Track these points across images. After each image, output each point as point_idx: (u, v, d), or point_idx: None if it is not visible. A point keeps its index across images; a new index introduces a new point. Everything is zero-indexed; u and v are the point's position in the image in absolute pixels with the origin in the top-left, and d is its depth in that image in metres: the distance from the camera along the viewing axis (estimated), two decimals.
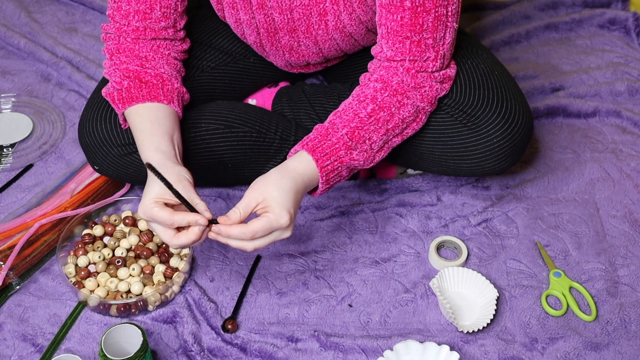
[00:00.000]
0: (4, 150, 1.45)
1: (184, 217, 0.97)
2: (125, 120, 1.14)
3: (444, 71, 1.12)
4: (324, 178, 1.07)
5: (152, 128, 1.08)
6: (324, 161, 1.06)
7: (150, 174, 1.01)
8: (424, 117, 1.15)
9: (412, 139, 1.20)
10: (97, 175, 1.34)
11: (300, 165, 1.05)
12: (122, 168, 1.22)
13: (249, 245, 0.99)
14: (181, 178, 1.00)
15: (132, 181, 1.30)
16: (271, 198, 0.99)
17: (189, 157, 1.20)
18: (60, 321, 1.16)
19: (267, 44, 1.26)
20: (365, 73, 1.14)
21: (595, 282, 1.24)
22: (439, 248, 1.28)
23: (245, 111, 1.29)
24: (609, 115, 1.56)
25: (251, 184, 1.02)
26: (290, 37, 1.22)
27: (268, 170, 1.30)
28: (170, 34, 1.17)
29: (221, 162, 1.26)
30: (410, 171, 1.41)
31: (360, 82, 1.15)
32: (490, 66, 1.22)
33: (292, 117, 1.36)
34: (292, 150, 1.09)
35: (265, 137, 1.28)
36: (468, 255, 1.28)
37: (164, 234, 1.00)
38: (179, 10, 1.17)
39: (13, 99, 1.57)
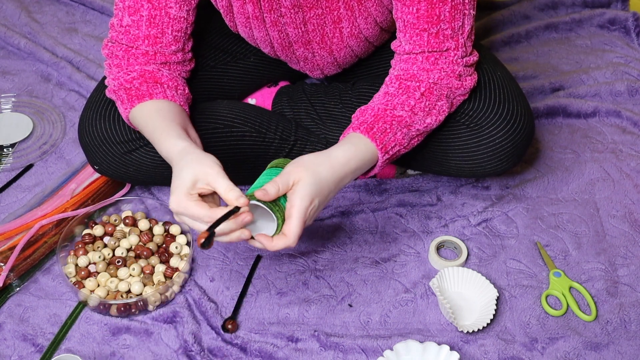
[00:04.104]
0: (4, 150, 1.45)
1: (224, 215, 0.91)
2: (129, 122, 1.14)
3: (467, 58, 1.10)
4: (377, 141, 1.04)
5: (167, 123, 1.05)
6: (368, 127, 1.04)
7: (177, 165, 0.97)
8: (469, 78, 1.12)
9: None
10: (97, 175, 1.34)
11: (343, 151, 1.02)
12: (122, 167, 1.22)
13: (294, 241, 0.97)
14: (217, 166, 0.95)
15: (132, 181, 1.30)
16: (299, 188, 0.96)
17: None
18: (61, 321, 1.16)
19: (281, 56, 1.27)
20: (389, 70, 1.14)
21: (595, 282, 1.24)
22: (439, 248, 1.28)
23: (245, 110, 1.29)
24: (609, 115, 1.56)
25: (293, 162, 0.99)
26: (305, 49, 1.22)
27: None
28: (180, 57, 1.16)
29: (221, 161, 1.25)
30: (410, 171, 1.41)
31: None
32: (492, 67, 1.22)
33: (293, 116, 1.36)
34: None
35: (265, 136, 1.28)
36: (468, 255, 1.28)
37: (199, 227, 0.94)
38: (189, 32, 1.16)
39: (13, 99, 1.57)
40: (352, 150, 1.03)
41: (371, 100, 1.11)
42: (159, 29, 1.12)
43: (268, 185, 0.95)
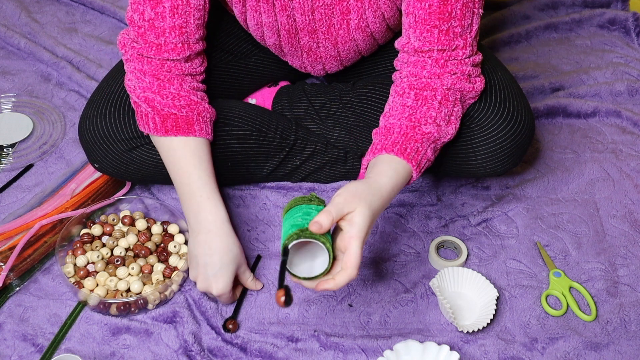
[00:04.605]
0: (4, 150, 1.45)
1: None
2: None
3: (473, 57, 1.11)
4: (412, 162, 1.05)
5: (207, 178, 1.14)
6: (401, 149, 1.05)
7: (218, 237, 1.12)
8: (478, 80, 1.12)
9: None
10: (97, 175, 1.34)
11: (389, 179, 1.02)
12: (122, 165, 1.21)
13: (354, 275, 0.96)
14: (244, 257, 1.17)
15: (132, 179, 1.29)
16: (357, 219, 0.95)
17: None
18: (60, 321, 1.16)
19: (286, 46, 1.26)
20: (395, 72, 1.14)
21: (595, 282, 1.24)
22: (439, 248, 1.28)
23: (245, 109, 1.29)
24: (609, 115, 1.56)
25: (342, 193, 0.97)
26: (310, 38, 1.22)
27: (268, 169, 1.31)
28: (202, 46, 1.16)
29: (221, 160, 1.26)
30: None
31: (393, 80, 1.14)
32: (492, 68, 1.22)
33: (293, 116, 1.36)
34: (364, 162, 1.08)
35: (266, 135, 1.28)
36: (468, 255, 1.28)
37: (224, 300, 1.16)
38: (205, 21, 1.16)
39: (13, 99, 1.57)
40: (395, 178, 1.03)
41: (389, 113, 1.10)
42: (183, 18, 1.12)
43: (321, 218, 0.94)
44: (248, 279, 1.18)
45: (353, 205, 0.96)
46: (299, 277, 0.98)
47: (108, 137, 1.19)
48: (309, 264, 0.99)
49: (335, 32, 1.20)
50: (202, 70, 1.18)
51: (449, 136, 1.10)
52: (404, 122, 1.08)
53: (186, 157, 1.14)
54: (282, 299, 0.87)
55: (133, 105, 1.17)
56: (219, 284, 1.11)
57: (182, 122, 1.13)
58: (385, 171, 1.03)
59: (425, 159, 1.07)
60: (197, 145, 1.15)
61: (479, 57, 1.12)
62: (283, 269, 0.91)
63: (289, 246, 0.94)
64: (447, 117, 1.09)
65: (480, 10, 1.08)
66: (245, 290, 1.20)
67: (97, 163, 1.23)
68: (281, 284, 0.89)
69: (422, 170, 1.08)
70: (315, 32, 1.21)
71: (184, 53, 1.13)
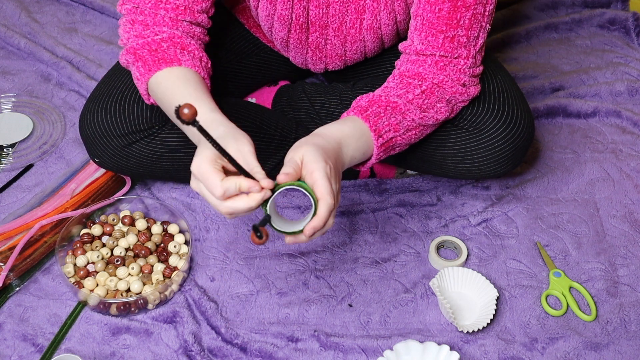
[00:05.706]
0: (4, 150, 1.45)
1: (235, 182, 0.87)
2: (147, 91, 1.07)
3: (473, 69, 1.11)
4: (370, 122, 1.02)
5: (199, 94, 0.99)
6: (362, 109, 1.03)
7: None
8: (473, 87, 1.12)
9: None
10: (97, 175, 1.34)
11: (329, 126, 1.00)
12: (122, 160, 1.21)
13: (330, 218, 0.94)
14: (245, 142, 0.91)
15: (133, 174, 1.29)
16: (307, 158, 0.93)
17: (188, 152, 1.20)
18: (60, 321, 1.16)
19: (293, 41, 1.25)
20: (393, 70, 1.14)
21: (595, 282, 1.24)
22: (439, 248, 1.28)
23: (246, 107, 1.29)
24: (609, 115, 1.56)
25: (288, 152, 0.96)
26: (320, 34, 1.22)
27: (268, 168, 1.31)
28: (205, 20, 1.11)
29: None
30: (410, 171, 1.41)
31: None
32: (492, 71, 1.22)
33: (292, 116, 1.36)
34: None
35: (266, 133, 1.28)
36: (468, 255, 1.28)
37: (211, 198, 0.90)
38: None
39: (13, 99, 1.57)
40: (337, 125, 1.01)
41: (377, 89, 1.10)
42: None
43: (284, 169, 0.91)
44: (251, 162, 0.90)
45: (300, 152, 0.93)
46: (284, 232, 0.95)
47: (108, 131, 1.19)
48: (294, 223, 0.97)
49: (346, 31, 1.20)
50: (202, 45, 1.12)
51: (422, 117, 1.07)
52: (375, 93, 1.07)
53: (170, 84, 1.02)
54: (255, 237, 0.85)
55: (127, 67, 1.10)
56: (196, 160, 0.89)
57: (163, 54, 1.05)
58: (332, 123, 1.01)
59: (387, 125, 1.04)
60: (182, 71, 1.04)
61: (479, 69, 1.12)
62: (264, 222, 0.89)
63: (270, 200, 0.92)
64: (424, 106, 1.08)
65: (488, 25, 1.08)
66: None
67: (97, 158, 1.23)
68: (254, 227, 0.85)
69: (386, 139, 1.04)
70: (326, 27, 1.20)
71: (182, 17, 1.09)
